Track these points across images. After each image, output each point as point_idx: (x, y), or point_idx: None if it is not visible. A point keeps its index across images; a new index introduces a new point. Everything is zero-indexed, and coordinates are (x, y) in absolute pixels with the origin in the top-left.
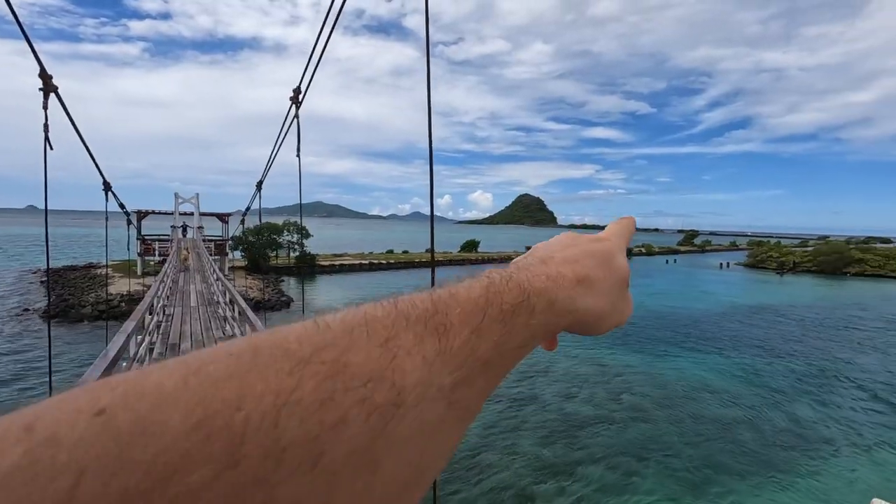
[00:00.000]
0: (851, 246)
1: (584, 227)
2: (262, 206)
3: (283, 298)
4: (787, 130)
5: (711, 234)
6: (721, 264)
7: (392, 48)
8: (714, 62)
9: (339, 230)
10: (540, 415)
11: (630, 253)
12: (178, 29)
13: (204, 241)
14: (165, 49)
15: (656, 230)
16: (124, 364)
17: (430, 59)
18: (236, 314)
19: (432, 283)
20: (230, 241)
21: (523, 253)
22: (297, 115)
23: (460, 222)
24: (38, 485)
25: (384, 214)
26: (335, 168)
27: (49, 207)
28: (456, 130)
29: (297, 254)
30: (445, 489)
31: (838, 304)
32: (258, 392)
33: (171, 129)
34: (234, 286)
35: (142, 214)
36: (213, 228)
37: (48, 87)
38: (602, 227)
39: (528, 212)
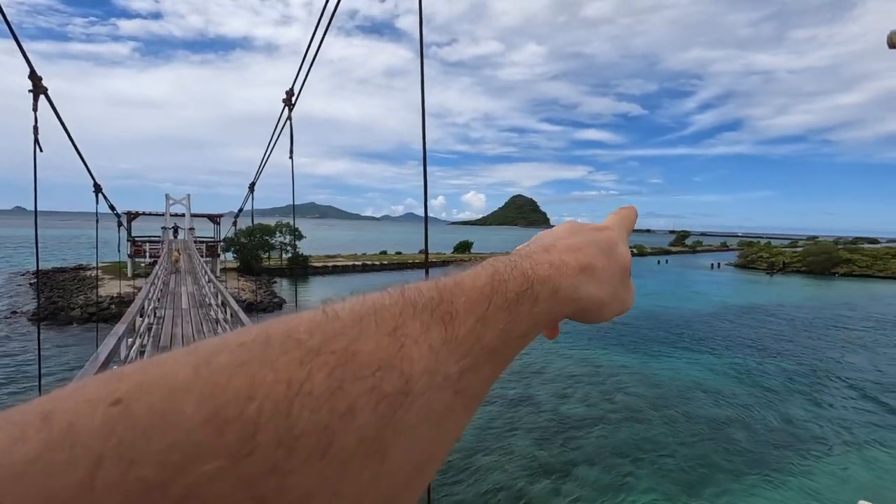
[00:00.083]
0: (840, 246)
1: None
2: (255, 208)
3: (276, 300)
4: (777, 132)
5: (703, 234)
6: (712, 265)
7: (385, 49)
8: (705, 64)
9: (332, 231)
10: (533, 415)
11: None
12: (169, 28)
13: (195, 242)
14: (156, 49)
15: (648, 231)
16: (115, 367)
17: (424, 60)
18: (228, 316)
19: None
20: (222, 243)
21: None
22: (289, 118)
23: (454, 223)
24: (57, 474)
25: (377, 215)
26: (328, 169)
27: (38, 208)
28: (449, 131)
29: (290, 255)
30: (440, 491)
31: (827, 304)
32: (270, 382)
33: (161, 130)
34: (226, 288)
35: (132, 216)
36: (205, 230)
37: (38, 89)
38: None
39: (522, 213)
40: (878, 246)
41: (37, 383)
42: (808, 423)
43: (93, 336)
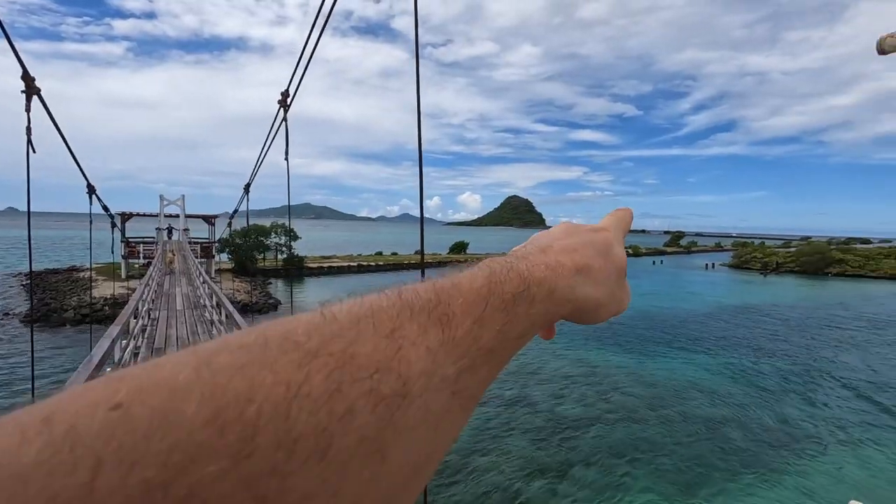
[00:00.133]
0: (832, 247)
1: None
2: (250, 208)
3: (271, 301)
4: (771, 133)
5: (697, 235)
6: (707, 265)
7: (380, 50)
8: (700, 65)
9: (327, 232)
10: (530, 415)
11: None
12: (163, 28)
13: (190, 243)
14: (150, 49)
15: (643, 231)
16: (108, 369)
17: (419, 61)
18: (223, 317)
19: None
20: (217, 244)
21: None
22: (285, 119)
23: (449, 224)
24: (58, 476)
25: (373, 216)
26: (324, 169)
27: (31, 209)
28: (445, 132)
29: (285, 256)
30: (437, 492)
31: (820, 303)
32: (269, 384)
33: (156, 130)
34: (221, 289)
35: (126, 216)
36: (200, 230)
37: (31, 90)
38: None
39: (517, 213)
40: (871, 246)
41: (30, 385)
42: (801, 422)
43: (86, 338)
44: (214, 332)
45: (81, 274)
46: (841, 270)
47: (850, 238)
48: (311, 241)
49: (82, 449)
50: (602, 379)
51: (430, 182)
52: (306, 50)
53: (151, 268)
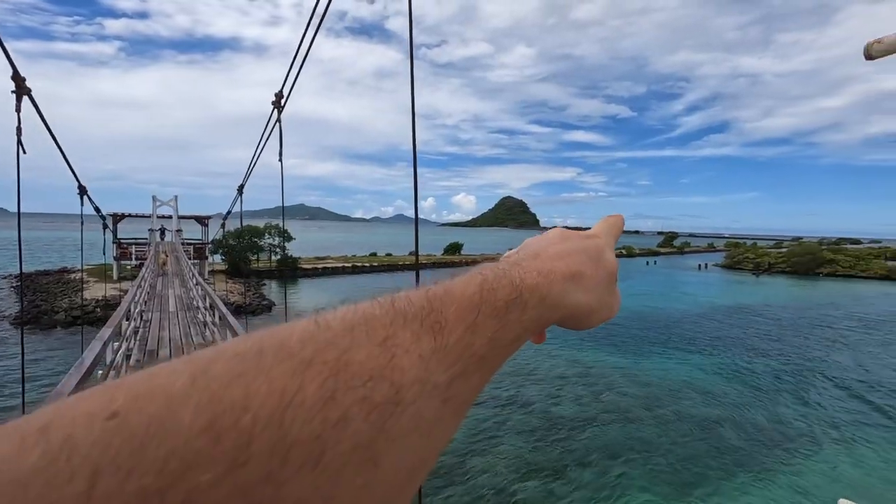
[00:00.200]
0: (823, 247)
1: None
2: (243, 209)
3: (265, 302)
4: (763, 134)
5: (690, 235)
6: (700, 266)
7: (375, 50)
8: (693, 67)
9: (321, 233)
10: (524, 415)
11: None
12: (156, 28)
13: (183, 244)
14: (142, 49)
15: (637, 232)
16: (100, 372)
17: (413, 62)
18: (217, 319)
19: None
20: (210, 245)
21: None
22: (279, 120)
23: (444, 225)
24: (56, 486)
25: (367, 217)
26: (318, 170)
27: (21, 210)
28: (439, 133)
29: (279, 257)
30: (431, 494)
31: (812, 303)
32: (264, 393)
33: (148, 131)
34: (214, 290)
35: (118, 217)
36: (193, 231)
37: (21, 90)
38: (585, 229)
39: (512, 214)
40: (861, 246)
41: (20, 388)
42: (793, 421)
43: (78, 340)
44: (208, 333)
45: (73, 275)
46: (832, 271)
47: (840, 238)
48: (306, 242)
49: (79, 458)
50: (596, 379)
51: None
52: (300, 50)
53: (144, 269)
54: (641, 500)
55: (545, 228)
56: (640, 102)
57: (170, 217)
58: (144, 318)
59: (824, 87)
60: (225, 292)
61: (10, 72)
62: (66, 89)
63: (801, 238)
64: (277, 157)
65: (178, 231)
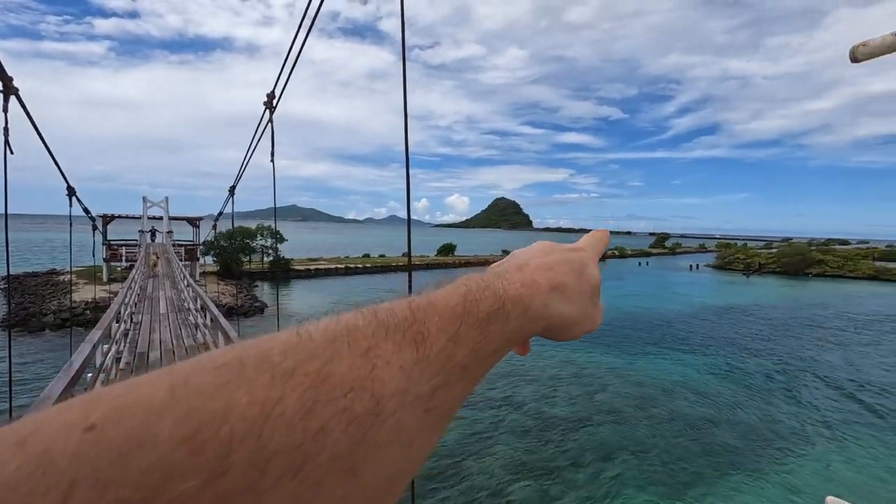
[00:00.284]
0: (813, 248)
1: (559, 230)
2: (235, 210)
3: (257, 304)
4: (753, 136)
5: (682, 236)
6: (691, 266)
7: (367, 51)
8: (684, 69)
9: (314, 234)
10: (517, 416)
11: (604, 256)
12: (147, 28)
13: (174, 245)
14: (133, 48)
15: (629, 233)
16: (89, 375)
17: (406, 63)
18: (208, 321)
19: (409, 288)
20: (201, 246)
21: (500, 256)
22: (271, 120)
23: (437, 226)
24: (32, 500)
25: (360, 218)
26: (311, 171)
27: (9, 211)
28: (432, 134)
29: (271, 258)
30: (424, 496)
31: (802, 303)
32: (244, 404)
33: (139, 131)
34: (206, 292)
35: (108, 219)
36: (184, 233)
37: (8, 90)
38: (576, 231)
39: (505, 215)
40: (849, 247)
41: (7, 392)
42: (784, 420)
43: (66, 342)
44: (199, 336)
45: (62, 277)
46: (821, 271)
47: (829, 239)
48: (298, 244)
49: (55, 472)
50: (590, 379)
51: (417, 184)
52: (292, 51)
53: (134, 271)
54: (634, 498)
55: (538, 229)
56: (632, 104)
57: (160, 218)
58: (135, 320)
59: (813, 89)
60: (216, 294)
61: None
62: (55, 89)
63: (790, 239)
64: (269, 158)
65: (169, 232)
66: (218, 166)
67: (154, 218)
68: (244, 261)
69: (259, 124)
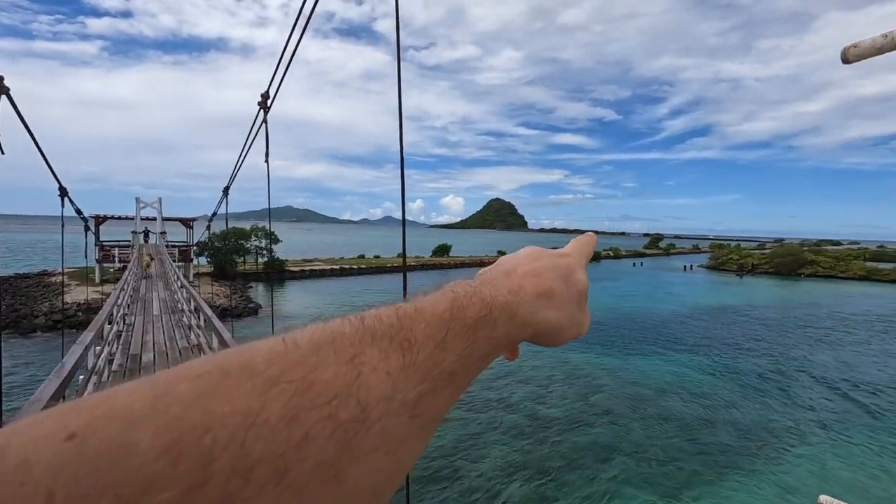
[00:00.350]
0: (805, 248)
1: (554, 231)
2: (230, 211)
3: (251, 305)
4: (744, 138)
5: (675, 237)
6: (685, 267)
7: (362, 52)
8: (676, 71)
9: (309, 235)
10: (512, 416)
11: (598, 256)
12: (140, 28)
13: (167, 246)
14: (126, 48)
15: (623, 234)
16: (81, 377)
17: (401, 64)
18: (202, 322)
19: (404, 288)
20: (195, 247)
21: (495, 256)
22: (265, 121)
23: (432, 226)
24: None
25: (355, 219)
26: (305, 172)
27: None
28: (427, 135)
29: (266, 259)
30: (418, 496)
31: (794, 303)
32: (226, 413)
33: (132, 131)
34: (200, 293)
35: (100, 219)
36: (178, 234)
37: None
38: (571, 231)
39: (500, 216)
40: (840, 248)
41: None
42: (777, 419)
43: (58, 344)
44: (193, 337)
45: (53, 278)
46: (813, 271)
47: (820, 240)
48: (293, 245)
49: (33, 482)
50: (584, 379)
51: (413, 185)
52: (287, 51)
53: (127, 272)
54: (629, 498)
55: (533, 230)
56: (626, 106)
57: (154, 219)
58: (127, 321)
59: (804, 91)
60: (210, 295)
61: None
62: (46, 89)
63: (782, 239)
64: (264, 159)
65: (163, 233)
66: (211, 167)
67: (147, 219)
68: (238, 262)
69: (253, 125)
